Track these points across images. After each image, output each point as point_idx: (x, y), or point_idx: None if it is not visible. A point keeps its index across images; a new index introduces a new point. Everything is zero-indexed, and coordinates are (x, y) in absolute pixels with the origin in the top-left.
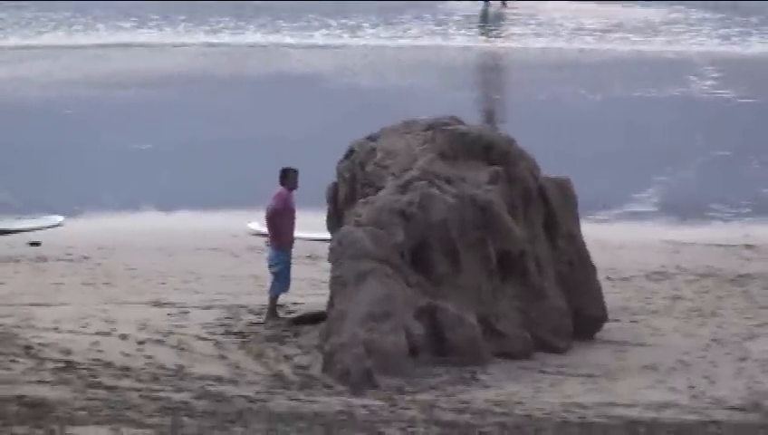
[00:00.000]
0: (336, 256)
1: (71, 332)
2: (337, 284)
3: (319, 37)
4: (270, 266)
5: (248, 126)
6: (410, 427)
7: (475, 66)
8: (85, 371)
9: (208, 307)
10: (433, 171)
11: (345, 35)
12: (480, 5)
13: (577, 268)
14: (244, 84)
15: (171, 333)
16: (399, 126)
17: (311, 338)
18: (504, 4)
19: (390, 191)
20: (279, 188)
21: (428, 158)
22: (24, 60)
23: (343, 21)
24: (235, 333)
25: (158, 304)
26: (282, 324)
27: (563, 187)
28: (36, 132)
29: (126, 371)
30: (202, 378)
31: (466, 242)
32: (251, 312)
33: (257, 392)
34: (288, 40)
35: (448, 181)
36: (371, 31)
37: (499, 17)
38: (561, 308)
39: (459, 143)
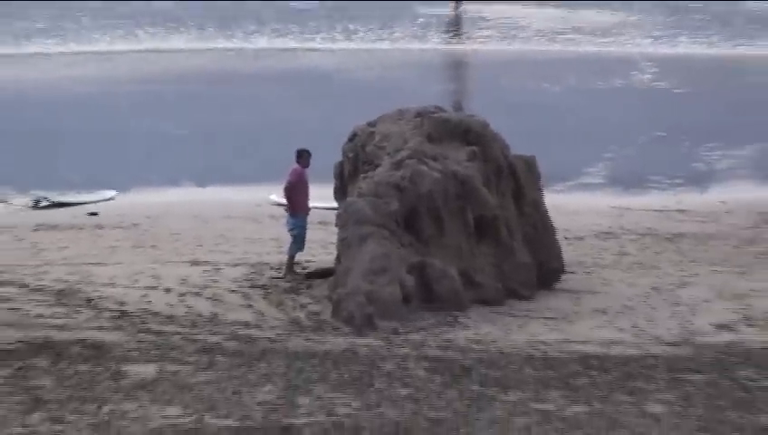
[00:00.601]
0: (342, 221)
1: (124, 286)
2: (343, 244)
3: (319, 41)
4: (289, 230)
5: (267, 115)
6: (403, 362)
7: (449, 64)
8: (136, 318)
9: (237, 265)
10: (421, 151)
11: (341, 39)
12: (449, 6)
13: (540, 230)
14: (262, 81)
15: (207, 286)
16: (394, 114)
17: (321, 289)
18: (457, 4)
19: (386, 168)
20: (294, 166)
21: (417, 140)
22: (81, 63)
23: (339, 27)
24: (260, 286)
25: (195, 262)
26: (298, 278)
27: (529, 163)
28: (93, 121)
29: (170, 318)
30: (232, 323)
31: (449, 209)
32: (272, 268)
33: (278, 335)
34: (293, 44)
35: (434, 159)
36: (363, 35)
37: (467, 22)
38: (527, 263)
39: (443, 128)
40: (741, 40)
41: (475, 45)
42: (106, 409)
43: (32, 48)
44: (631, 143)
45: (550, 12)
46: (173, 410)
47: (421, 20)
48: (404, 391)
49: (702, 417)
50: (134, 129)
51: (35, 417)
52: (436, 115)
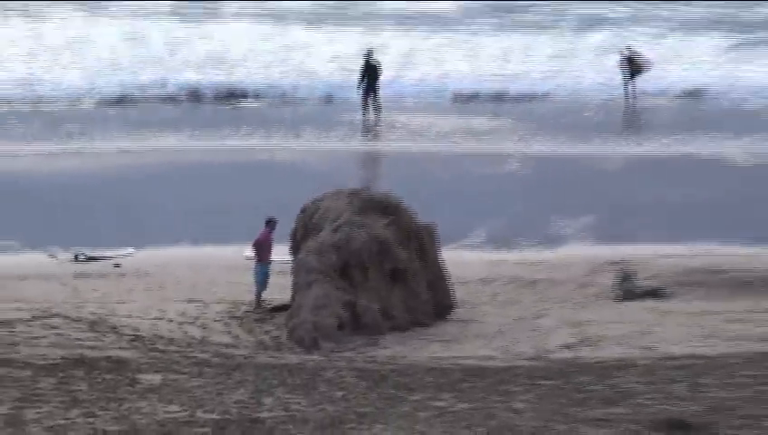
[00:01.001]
0: (296, 271)
1: (138, 318)
2: (296, 287)
3: (258, 139)
4: (255, 275)
5: (243, 197)
6: (339, 372)
7: (363, 158)
8: (147, 341)
9: (220, 302)
10: (353, 220)
11: (277, 138)
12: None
13: (437, 277)
14: (230, 171)
15: (198, 317)
16: (333, 193)
17: (281, 319)
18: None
19: (327, 232)
20: (263, 229)
21: (349, 212)
22: (94, 159)
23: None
24: (236, 317)
25: (191, 300)
26: (263, 312)
27: (430, 229)
28: (112, 198)
29: (171, 340)
30: (216, 344)
31: (372, 263)
32: (245, 304)
33: (249, 352)
34: (253, 142)
35: (362, 226)
36: (292, 138)
37: (375, 123)
38: (427, 301)
39: (368, 203)
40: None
41: (386, 143)
42: (125, 406)
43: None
44: (504, 214)
45: (449, 119)
46: (173, 408)
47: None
48: (339, 393)
49: (551, 410)
50: (146, 204)
51: (74, 412)
52: (363, 194)
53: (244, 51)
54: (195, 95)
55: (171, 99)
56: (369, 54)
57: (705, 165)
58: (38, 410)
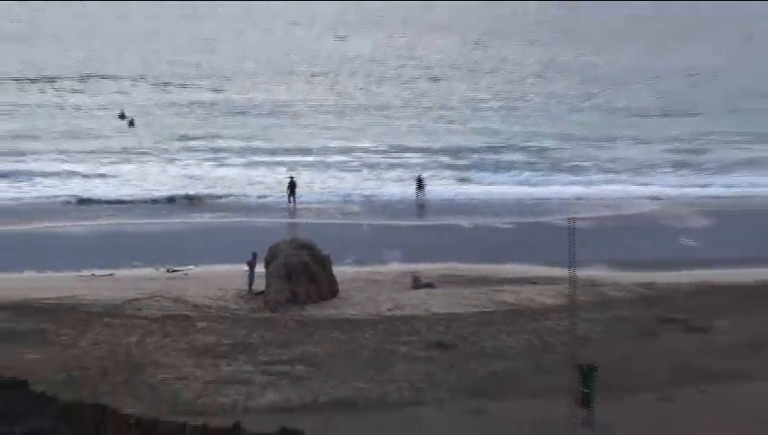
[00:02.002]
0: (267, 275)
1: (195, 297)
2: (267, 283)
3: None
4: (247, 277)
5: (239, 245)
6: (286, 322)
7: (291, 226)
8: (199, 307)
9: (233, 290)
10: (292, 253)
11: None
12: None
13: (330, 278)
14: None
15: (222, 296)
16: (283, 241)
17: (261, 298)
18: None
19: (281, 258)
20: (250, 257)
21: (290, 249)
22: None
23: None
24: (240, 297)
25: (220, 288)
26: (252, 294)
27: (327, 256)
28: (180, 242)
29: (210, 307)
30: (231, 309)
31: (301, 272)
32: (244, 291)
33: (245, 313)
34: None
35: (296, 256)
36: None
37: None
38: (326, 289)
39: (299, 244)
40: None
41: (301, 220)
42: (190, 336)
43: None
44: (356, 252)
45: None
46: (211, 338)
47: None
48: (287, 331)
49: (386, 338)
50: (195, 246)
51: (166, 340)
52: (296, 241)
53: (214, 173)
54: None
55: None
56: (292, 177)
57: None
58: (149, 339)
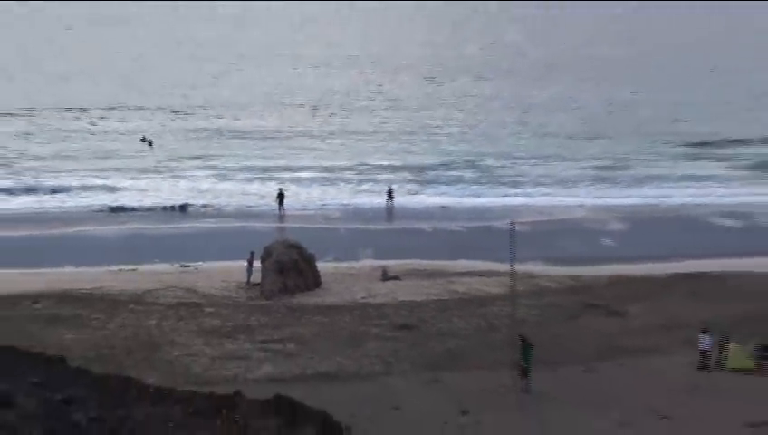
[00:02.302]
0: (263, 270)
1: (204, 287)
2: (263, 275)
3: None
4: (246, 271)
5: (242, 246)
6: (279, 308)
7: (281, 229)
8: (207, 295)
9: (234, 282)
10: (283, 252)
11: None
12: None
13: (314, 271)
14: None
15: (226, 287)
16: (276, 241)
17: (257, 288)
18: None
19: (275, 256)
20: (249, 254)
21: (282, 248)
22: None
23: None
24: (241, 287)
25: (223, 281)
26: (251, 285)
27: (311, 254)
28: (190, 244)
29: (215, 296)
30: (232, 297)
31: (291, 268)
32: (244, 282)
33: (245, 301)
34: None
35: (287, 254)
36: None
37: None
38: (311, 281)
39: (289, 245)
40: None
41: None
42: (198, 320)
43: None
44: (336, 251)
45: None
46: (217, 321)
47: None
48: (278, 315)
49: (361, 321)
50: (203, 246)
51: (180, 323)
52: (287, 241)
53: (217, 186)
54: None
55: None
56: (281, 189)
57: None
58: (165, 322)
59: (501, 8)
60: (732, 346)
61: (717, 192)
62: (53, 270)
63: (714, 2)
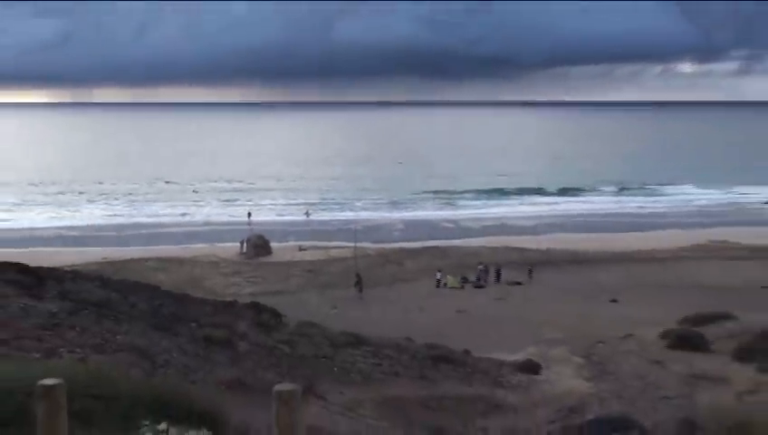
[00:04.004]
0: (246, 246)
1: (218, 255)
2: (247, 248)
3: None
4: (241, 245)
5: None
6: (254, 264)
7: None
8: (222, 261)
9: (233, 252)
10: (256, 238)
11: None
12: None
13: (269, 247)
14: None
15: (231, 255)
16: (251, 235)
17: (244, 254)
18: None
19: (252, 241)
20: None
21: (255, 238)
22: None
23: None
24: (238, 254)
25: (229, 252)
26: (242, 253)
27: (267, 241)
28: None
29: (226, 259)
30: (234, 259)
31: (260, 245)
32: (238, 253)
33: (239, 260)
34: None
35: (259, 239)
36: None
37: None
38: (267, 252)
39: (258, 237)
40: None
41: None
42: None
43: None
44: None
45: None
46: (226, 269)
47: None
48: (253, 266)
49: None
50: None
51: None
52: (257, 235)
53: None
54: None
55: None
56: (249, 212)
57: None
58: (201, 270)
59: None
60: (449, 277)
61: (442, 214)
62: (162, 247)
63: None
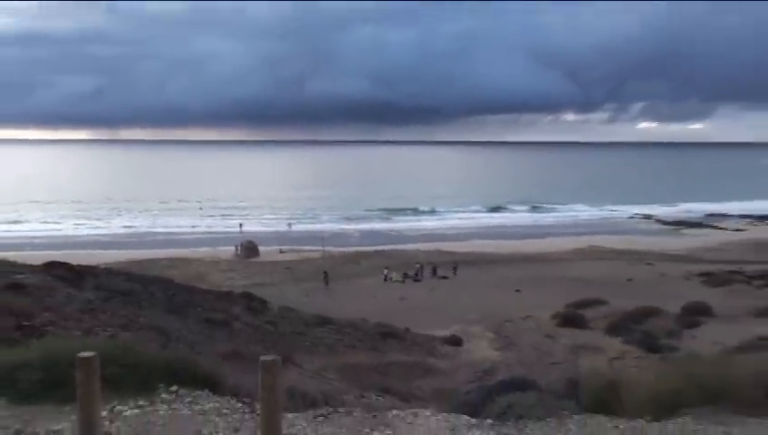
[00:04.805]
0: (240, 249)
1: (215, 255)
2: (241, 250)
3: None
4: (236, 248)
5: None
6: (246, 263)
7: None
8: (222, 261)
9: (230, 254)
10: (247, 243)
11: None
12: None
13: (257, 250)
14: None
15: (228, 256)
16: (243, 240)
17: (239, 255)
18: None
19: (244, 245)
20: (235, 244)
21: (246, 242)
22: None
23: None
24: (233, 255)
25: (225, 254)
26: (237, 254)
27: (256, 245)
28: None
29: (225, 260)
30: (231, 259)
31: (250, 247)
32: (235, 254)
33: (234, 259)
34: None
35: (249, 244)
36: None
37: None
38: (256, 253)
39: (249, 241)
40: None
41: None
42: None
43: None
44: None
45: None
46: (223, 266)
47: None
48: (245, 264)
49: (266, 269)
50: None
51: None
52: (248, 239)
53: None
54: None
55: None
56: (241, 223)
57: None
58: (205, 269)
59: None
60: (394, 273)
61: (388, 226)
62: (170, 250)
63: None
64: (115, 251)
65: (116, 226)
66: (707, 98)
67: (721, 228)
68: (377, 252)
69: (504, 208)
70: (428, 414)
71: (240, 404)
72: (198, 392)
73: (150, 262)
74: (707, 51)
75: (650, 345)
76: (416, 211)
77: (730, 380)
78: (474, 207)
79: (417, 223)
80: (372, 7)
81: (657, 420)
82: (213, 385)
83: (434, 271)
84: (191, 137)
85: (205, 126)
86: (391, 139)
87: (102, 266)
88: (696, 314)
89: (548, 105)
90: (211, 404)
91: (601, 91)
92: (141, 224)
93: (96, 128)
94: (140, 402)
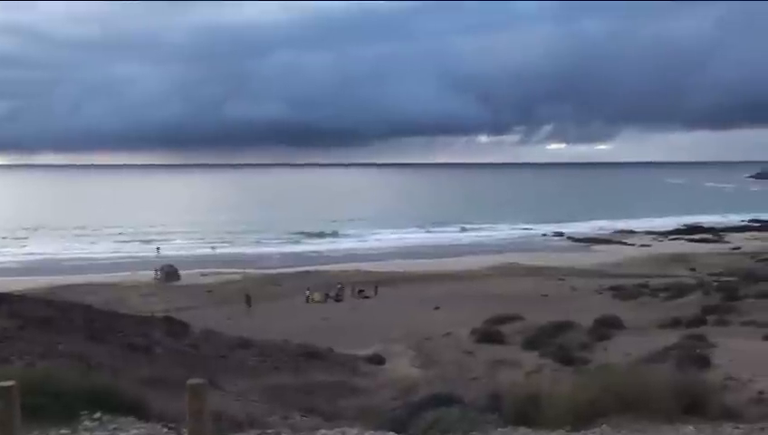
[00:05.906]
0: (160, 274)
1: (143, 280)
2: (161, 275)
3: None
4: (155, 273)
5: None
6: (166, 287)
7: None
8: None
9: (151, 278)
10: (168, 267)
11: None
12: None
13: (178, 273)
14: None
15: (149, 280)
16: (164, 265)
17: (159, 280)
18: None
19: (165, 270)
20: (160, 267)
21: (167, 267)
22: None
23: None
24: (154, 279)
25: (149, 278)
26: (157, 278)
27: (177, 270)
28: None
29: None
30: (152, 283)
31: (170, 272)
32: (155, 278)
33: (155, 284)
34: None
35: (169, 268)
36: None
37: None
38: (176, 277)
39: (169, 266)
40: None
41: None
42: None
43: None
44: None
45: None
46: (146, 290)
47: None
48: (165, 289)
49: (190, 293)
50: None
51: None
52: (167, 265)
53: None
54: None
55: None
56: (158, 247)
57: None
58: (131, 293)
59: None
60: (315, 293)
61: (309, 247)
62: (86, 275)
63: None
64: (30, 278)
65: (31, 252)
66: (611, 120)
67: (629, 244)
68: (298, 273)
69: (423, 228)
70: (356, 432)
71: (166, 429)
72: (123, 419)
73: (68, 288)
74: (607, 76)
75: (565, 358)
76: (335, 233)
77: (644, 389)
78: (393, 228)
79: (338, 244)
80: (290, 32)
81: (577, 431)
82: (137, 411)
83: (358, 291)
84: (108, 161)
85: (122, 150)
86: (311, 161)
87: (17, 293)
88: (607, 327)
89: (462, 128)
90: (135, 430)
91: (512, 113)
92: (57, 249)
93: (9, 153)
94: (62, 431)
